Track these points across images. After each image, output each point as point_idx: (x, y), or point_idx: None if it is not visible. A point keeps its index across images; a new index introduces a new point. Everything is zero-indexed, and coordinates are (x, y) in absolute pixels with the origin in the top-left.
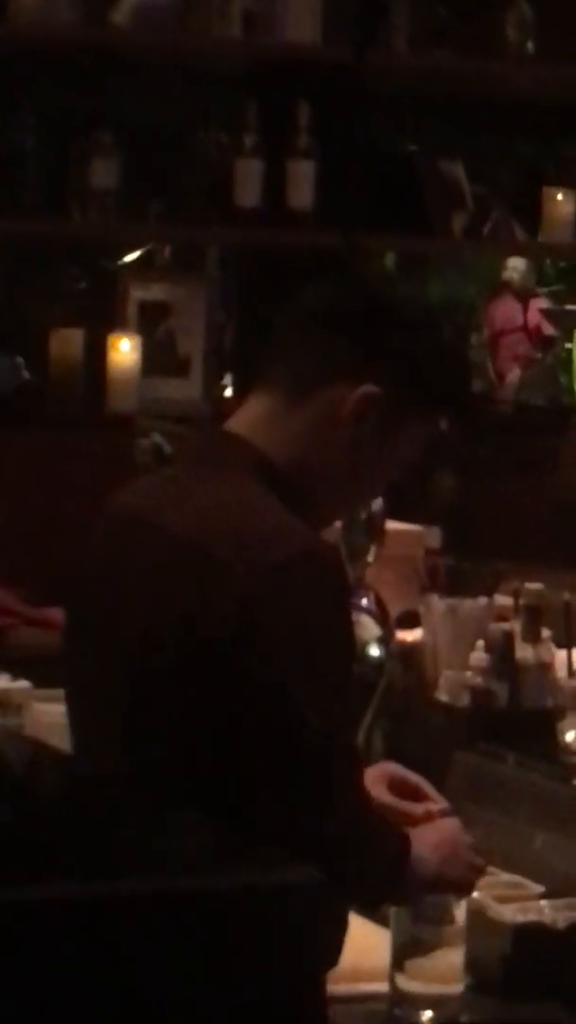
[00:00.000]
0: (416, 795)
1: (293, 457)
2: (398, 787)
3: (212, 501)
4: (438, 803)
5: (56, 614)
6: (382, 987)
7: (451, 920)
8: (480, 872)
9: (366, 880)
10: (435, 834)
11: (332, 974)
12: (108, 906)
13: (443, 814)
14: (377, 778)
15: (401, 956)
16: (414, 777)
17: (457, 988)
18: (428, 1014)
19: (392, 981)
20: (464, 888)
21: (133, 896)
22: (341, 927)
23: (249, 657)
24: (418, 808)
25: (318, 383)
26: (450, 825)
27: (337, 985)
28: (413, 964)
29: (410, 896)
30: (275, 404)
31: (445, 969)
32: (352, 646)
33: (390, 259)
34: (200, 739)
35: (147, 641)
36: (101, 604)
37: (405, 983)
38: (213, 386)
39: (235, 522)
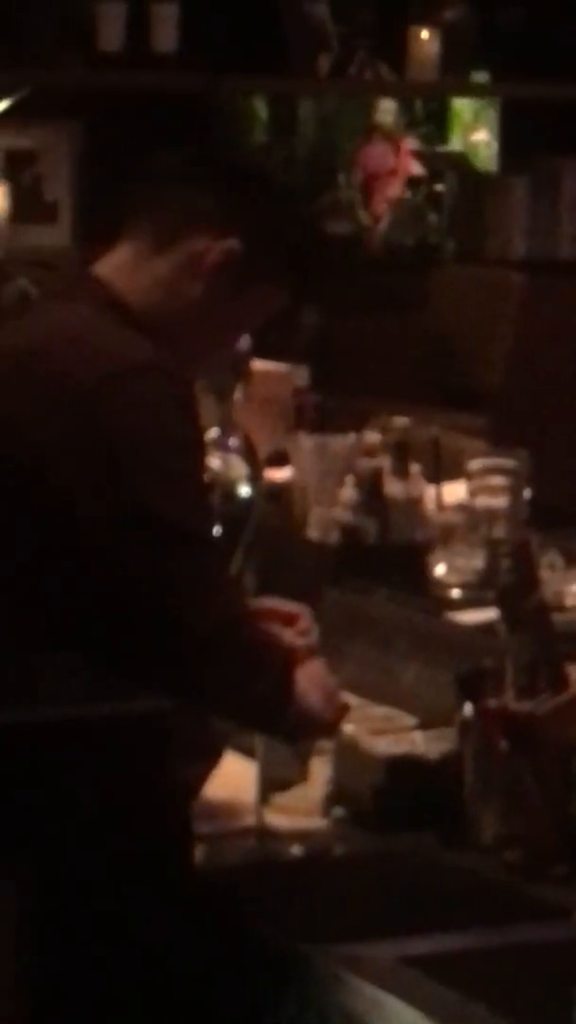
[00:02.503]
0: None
1: (149, 302)
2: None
3: (54, 322)
4: (305, 638)
5: None
6: (252, 822)
7: (316, 753)
8: (345, 712)
9: (251, 692)
10: (309, 672)
11: (205, 811)
12: None
13: (309, 652)
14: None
15: (267, 791)
16: (291, 607)
17: (322, 822)
18: (296, 848)
19: (258, 817)
20: (334, 729)
21: None
22: (207, 756)
23: (95, 460)
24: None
25: (181, 233)
26: (319, 666)
27: (211, 822)
28: (279, 799)
29: (296, 728)
30: (138, 252)
31: (310, 803)
32: (200, 449)
33: (263, 110)
34: (60, 556)
35: None
36: None
37: (270, 818)
38: (82, 232)
39: (81, 338)
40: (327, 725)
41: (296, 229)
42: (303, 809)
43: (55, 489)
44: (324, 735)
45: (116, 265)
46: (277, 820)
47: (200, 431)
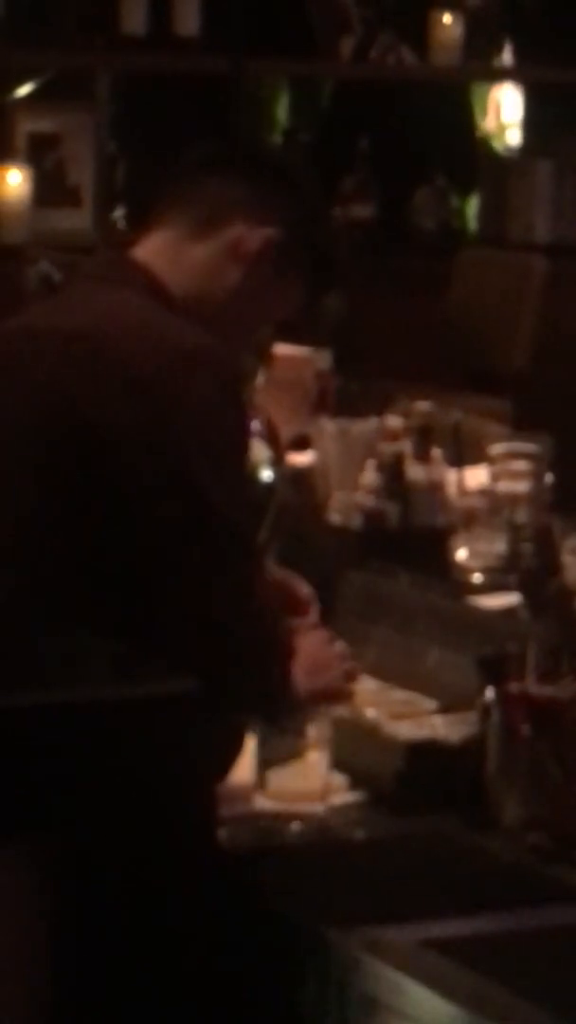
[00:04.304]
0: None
1: (188, 288)
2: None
3: (106, 305)
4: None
5: None
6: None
7: (312, 721)
8: (352, 676)
9: (253, 685)
10: (303, 651)
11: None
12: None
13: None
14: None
15: (264, 766)
16: (302, 593)
17: (320, 807)
18: (296, 826)
19: (246, 797)
20: (340, 696)
21: (23, 708)
22: (230, 737)
23: (147, 445)
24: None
25: (218, 221)
26: (313, 638)
27: (226, 804)
28: (275, 780)
29: (286, 713)
30: (176, 238)
31: (305, 786)
32: (246, 439)
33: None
34: (100, 537)
35: (41, 439)
36: None
37: (263, 802)
38: (105, 216)
39: (130, 320)
40: (335, 693)
41: (326, 219)
42: (297, 792)
43: (110, 472)
44: (335, 702)
45: (154, 250)
46: (268, 804)
47: (246, 416)
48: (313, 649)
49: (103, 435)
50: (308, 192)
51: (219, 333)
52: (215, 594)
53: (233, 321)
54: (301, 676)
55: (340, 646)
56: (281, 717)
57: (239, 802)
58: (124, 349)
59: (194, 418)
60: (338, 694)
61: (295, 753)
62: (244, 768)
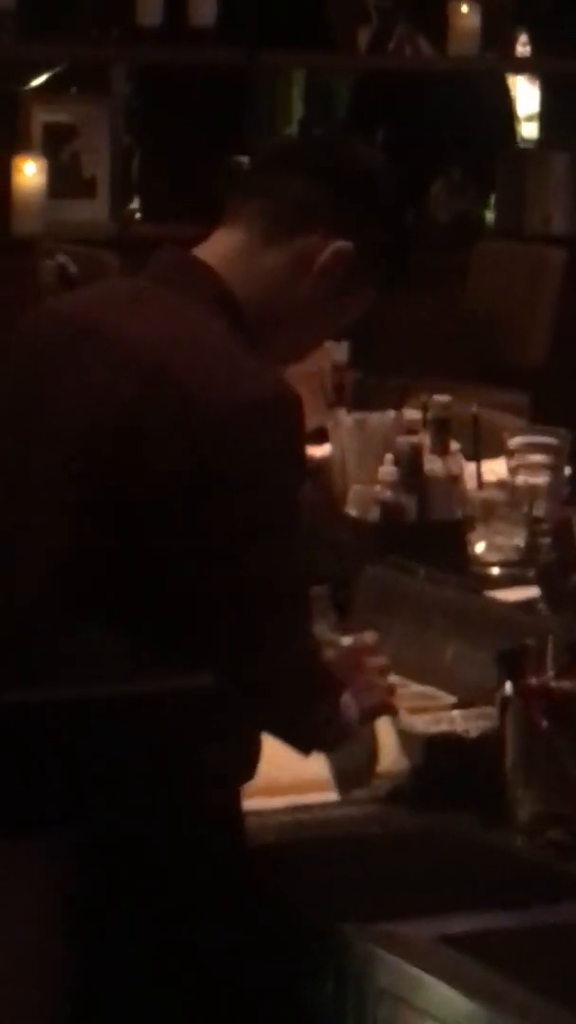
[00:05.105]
0: None
1: (253, 296)
2: None
3: (176, 323)
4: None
5: None
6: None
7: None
8: (393, 690)
9: (300, 728)
10: (341, 667)
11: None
12: (21, 713)
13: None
14: None
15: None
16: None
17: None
18: (313, 820)
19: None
20: (386, 711)
21: (44, 703)
22: (252, 740)
23: (202, 494)
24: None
25: (293, 229)
26: (352, 653)
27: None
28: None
29: (339, 742)
30: (247, 241)
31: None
32: (300, 487)
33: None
34: (139, 564)
35: (89, 453)
36: (37, 403)
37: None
38: (121, 207)
39: (202, 352)
40: (379, 710)
41: (405, 235)
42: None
43: (154, 512)
44: (380, 716)
45: (222, 254)
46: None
47: (304, 472)
48: (359, 669)
49: (155, 476)
50: (391, 202)
51: (281, 344)
52: (266, 641)
53: (296, 332)
54: (350, 699)
55: (381, 661)
56: (327, 747)
57: (274, 796)
58: (195, 393)
59: (255, 474)
60: (384, 709)
61: (365, 767)
62: (279, 762)
